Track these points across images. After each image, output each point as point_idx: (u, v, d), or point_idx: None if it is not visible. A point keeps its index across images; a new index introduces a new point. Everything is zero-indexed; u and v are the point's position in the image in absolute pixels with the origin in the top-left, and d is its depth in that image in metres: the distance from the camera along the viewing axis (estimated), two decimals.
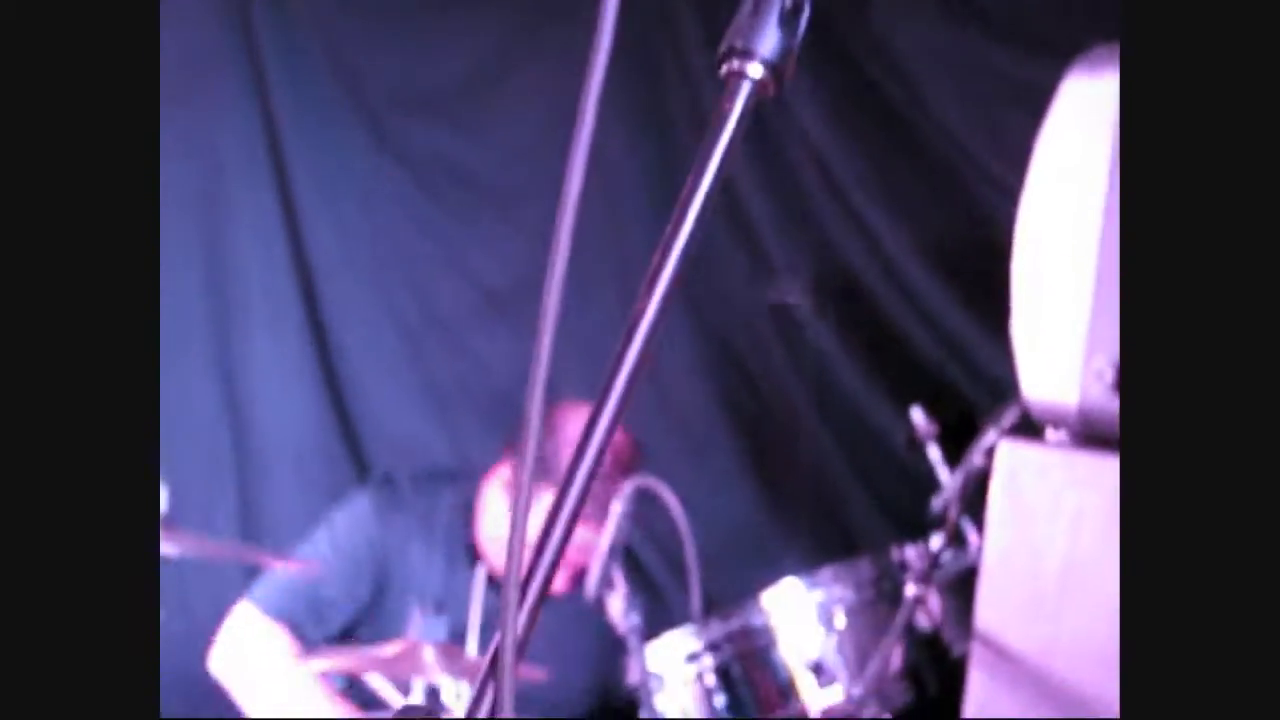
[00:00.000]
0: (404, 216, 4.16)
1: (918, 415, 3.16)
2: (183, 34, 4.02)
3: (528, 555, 1.01)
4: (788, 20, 1.14)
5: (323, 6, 4.12)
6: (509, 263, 4.10)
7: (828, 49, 3.69)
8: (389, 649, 2.92)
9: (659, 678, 3.02)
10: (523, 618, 0.99)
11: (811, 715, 3.02)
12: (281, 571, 3.44)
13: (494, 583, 3.34)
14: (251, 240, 4.10)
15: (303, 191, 4.10)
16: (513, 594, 0.99)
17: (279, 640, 3.39)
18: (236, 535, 4.01)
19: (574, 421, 3.20)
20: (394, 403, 4.13)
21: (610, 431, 1.05)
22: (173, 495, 3.10)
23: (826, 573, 3.08)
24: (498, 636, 0.99)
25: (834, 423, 3.83)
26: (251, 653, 3.40)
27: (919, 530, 3.08)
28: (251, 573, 3.91)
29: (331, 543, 3.45)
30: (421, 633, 2.86)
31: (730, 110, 1.12)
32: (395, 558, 3.41)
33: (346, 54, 4.13)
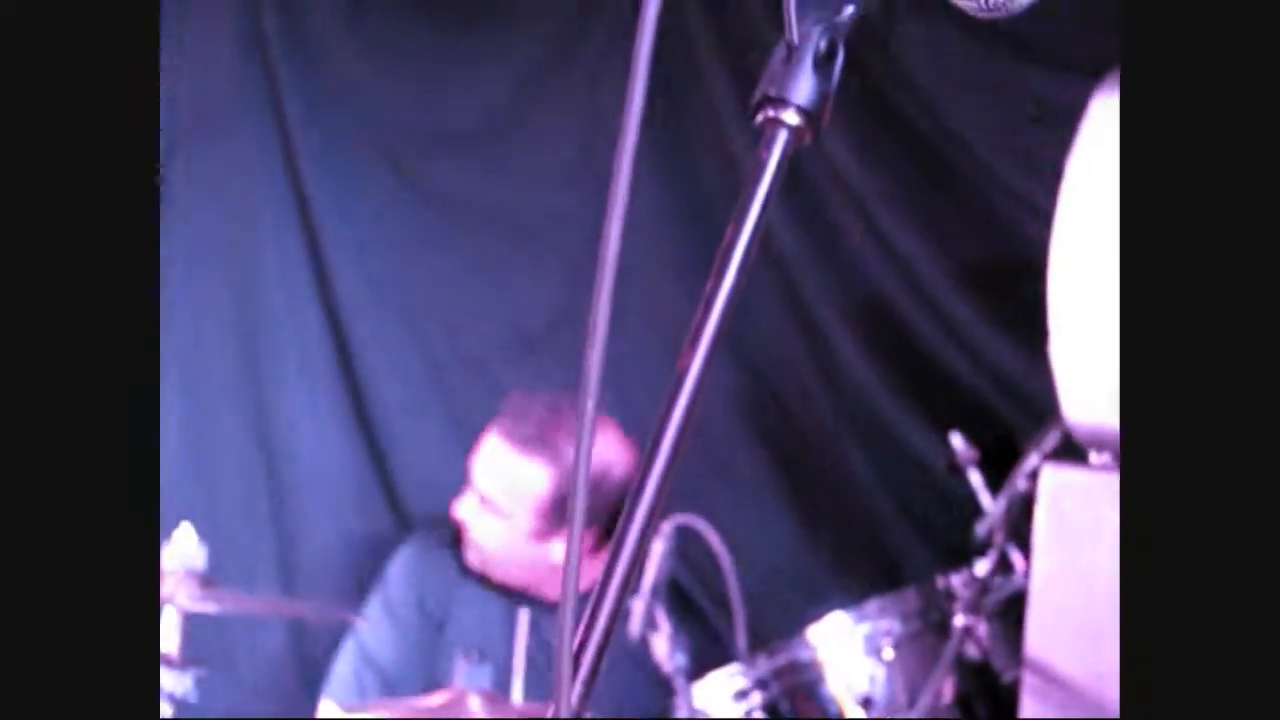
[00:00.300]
0: (431, 256, 4.14)
1: (957, 441, 3.14)
2: (205, 81, 4.04)
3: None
4: (822, 65, 1.12)
5: (343, 48, 4.12)
6: (538, 299, 4.09)
7: (849, 75, 3.65)
8: (435, 699, 2.91)
9: (707, 717, 2.99)
10: (577, 689, 0.97)
11: None
12: (346, 660, 3.45)
13: (537, 626, 3.32)
14: (280, 288, 4.09)
15: (329, 236, 4.09)
16: (566, 666, 0.96)
17: None
18: (277, 587, 3.99)
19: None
20: (428, 444, 4.11)
21: (661, 489, 1.03)
22: (213, 552, 3.11)
23: (873, 605, 3.05)
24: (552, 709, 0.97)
25: (873, 452, 3.79)
26: None
27: (963, 557, 3.05)
28: (294, 625, 3.90)
29: (389, 613, 3.46)
30: (466, 681, 2.84)
31: (767, 159, 1.10)
32: (445, 606, 3.42)
33: (368, 95, 4.12)
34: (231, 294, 4.07)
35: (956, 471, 3.14)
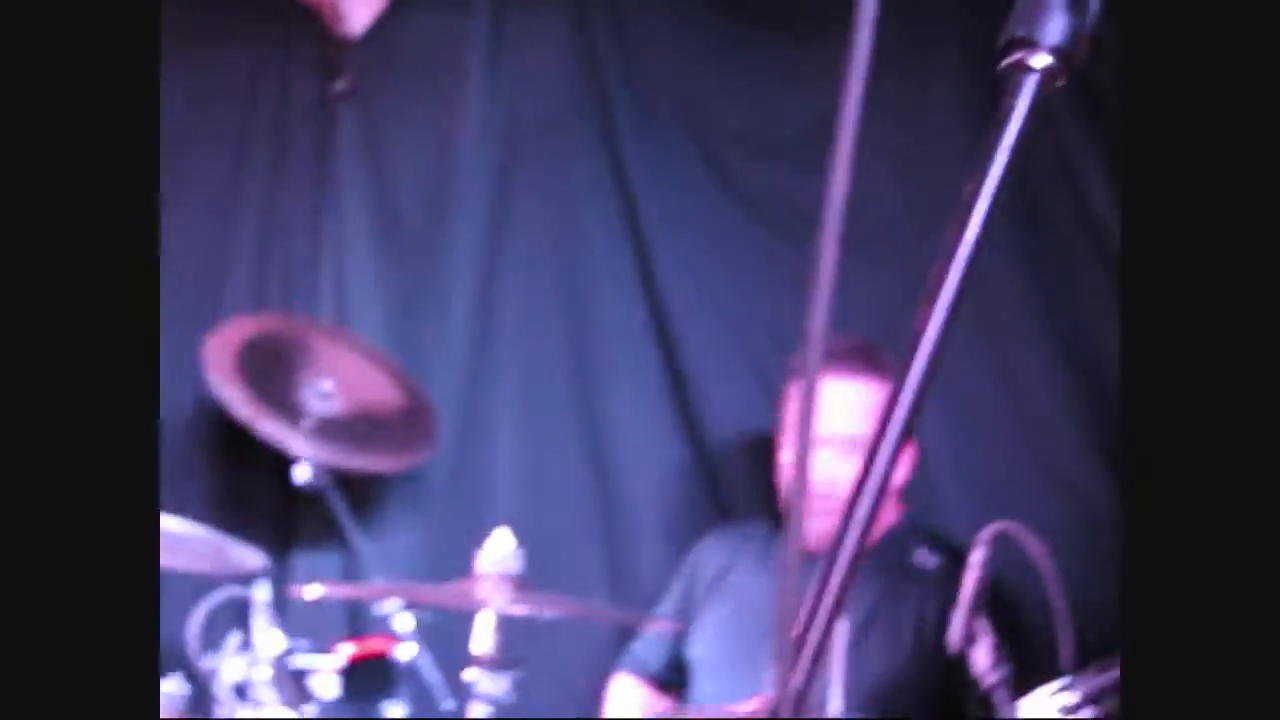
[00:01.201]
0: (758, 264, 4.12)
1: None
2: (537, 91, 4.13)
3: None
4: (1076, 2, 1.02)
5: (671, 58, 4.15)
6: (865, 310, 4.00)
7: None
8: (743, 707, 2.85)
9: None
10: (800, 673, 0.90)
11: None
12: (646, 632, 3.59)
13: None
14: (609, 294, 4.14)
15: (657, 243, 4.13)
16: (785, 649, 0.90)
17: (643, 702, 3.57)
18: (606, 595, 4.02)
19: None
20: (758, 456, 4.08)
21: (893, 461, 0.95)
22: (543, 557, 3.14)
23: None
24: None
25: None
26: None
27: None
28: (623, 632, 3.93)
29: (685, 597, 3.49)
30: None
31: (1014, 107, 1.01)
32: (742, 595, 3.44)
33: (696, 104, 4.15)
34: (562, 299, 4.14)
35: None
